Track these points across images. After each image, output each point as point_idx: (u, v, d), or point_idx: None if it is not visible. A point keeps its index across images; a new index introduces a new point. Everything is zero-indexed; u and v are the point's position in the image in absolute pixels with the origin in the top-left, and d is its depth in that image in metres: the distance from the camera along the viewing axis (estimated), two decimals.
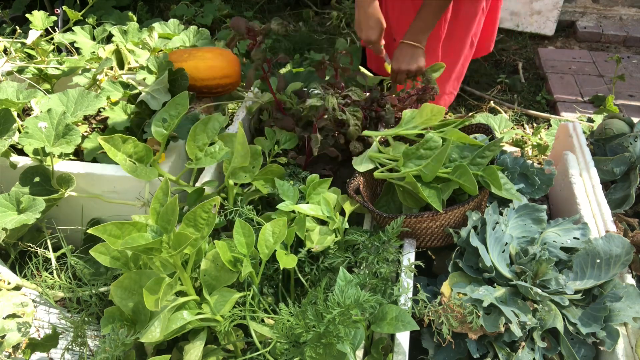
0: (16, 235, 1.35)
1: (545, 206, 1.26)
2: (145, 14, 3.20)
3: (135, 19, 2.13)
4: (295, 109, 1.57)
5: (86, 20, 2.16)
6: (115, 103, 1.54)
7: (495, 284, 1.13)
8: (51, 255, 1.31)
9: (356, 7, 1.62)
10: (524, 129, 2.40)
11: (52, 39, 1.90)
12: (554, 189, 1.54)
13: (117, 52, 1.75)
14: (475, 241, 1.13)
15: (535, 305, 1.08)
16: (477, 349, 1.08)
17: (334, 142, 1.45)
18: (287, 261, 1.06)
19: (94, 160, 1.46)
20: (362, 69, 1.87)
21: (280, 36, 3.04)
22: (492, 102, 2.56)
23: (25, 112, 1.65)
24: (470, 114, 2.48)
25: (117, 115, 1.49)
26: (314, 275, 1.15)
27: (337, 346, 0.85)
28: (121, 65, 1.76)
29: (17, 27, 1.90)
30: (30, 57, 1.83)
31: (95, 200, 1.42)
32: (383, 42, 1.64)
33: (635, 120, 1.64)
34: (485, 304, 1.04)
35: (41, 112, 1.37)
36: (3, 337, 1.04)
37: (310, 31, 3.19)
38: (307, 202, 1.26)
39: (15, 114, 1.40)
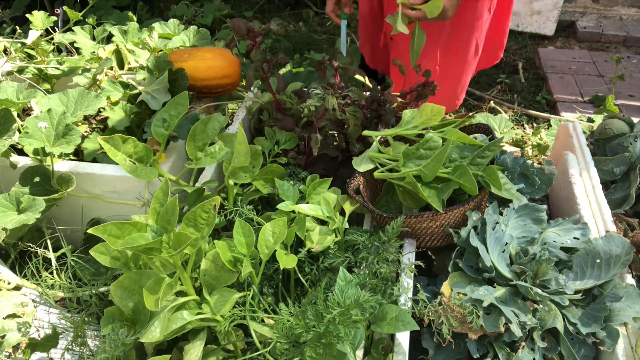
0: (16, 235, 1.35)
1: (545, 206, 1.26)
2: (145, 14, 3.20)
3: (135, 19, 2.13)
4: (295, 109, 1.57)
5: (86, 20, 2.16)
6: (115, 103, 1.54)
7: (495, 284, 1.13)
8: (51, 255, 1.31)
9: None
10: (524, 129, 2.40)
11: (52, 39, 1.90)
12: (554, 189, 1.54)
13: (117, 52, 1.75)
14: (475, 241, 1.13)
15: (535, 305, 1.08)
16: (477, 349, 1.08)
17: (334, 142, 1.45)
18: (287, 261, 1.06)
19: (94, 160, 1.46)
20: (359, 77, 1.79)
21: (280, 36, 3.04)
22: (492, 102, 2.56)
23: (25, 112, 1.65)
24: (470, 114, 2.48)
25: (117, 115, 1.49)
26: (314, 275, 1.15)
27: (337, 346, 0.85)
28: (121, 65, 1.76)
29: (17, 27, 1.90)
30: (30, 57, 1.83)
31: (95, 200, 1.42)
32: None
33: (635, 120, 1.64)
34: (485, 304, 1.04)
35: (41, 112, 1.37)
36: (3, 337, 1.04)
37: (310, 31, 3.19)
38: (307, 202, 1.26)
39: (15, 114, 1.40)
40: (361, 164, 1.33)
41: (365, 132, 1.40)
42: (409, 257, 1.18)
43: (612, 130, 1.60)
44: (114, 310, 0.96)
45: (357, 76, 1.58)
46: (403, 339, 1.03)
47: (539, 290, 1.07)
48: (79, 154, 1.50)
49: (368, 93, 1.53)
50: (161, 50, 1.92)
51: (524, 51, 3.03)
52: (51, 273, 1.28)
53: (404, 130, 1.35)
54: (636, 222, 1.43)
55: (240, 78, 1.77)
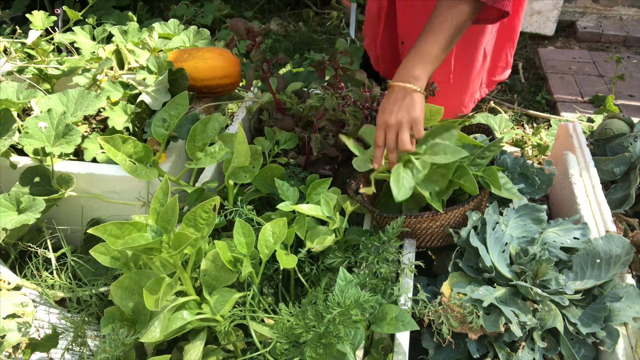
0: (16, 235, 1.35)
1: (545, 206, 1.26)
2: (145, 14, 3.20)
3: (135, 19, 2.13)
4: (295, 109, 1.57)
5: (86, 20, 2.16)
6: (115, 103, 1.54)
7: (495, 284, 1.13)
8: (51, 255, 1.31)
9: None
10: (524, 129, 2.40)
11: (52, 39, 1.90)
12: (554, 189, 1.54)
13: (117, 52, 1.75)
14: (475, 241, 1.13)
15: (535, 305, 1.08)
16: (477, 349, 1.08)
17: (334, 142, 1.45)
18: (287, 261, 1.06)
19: (94, 160, 1.46)
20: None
21: (280, 36, 3.04)
22: (492, 102, 2.56)
23: (25, 112, 1.65)
24: (470, 114, 2.48)
25: (117, 115, 1.49)
26: (314, 275, 1.15)
27: (337, 346, 0.85)
28: (121, 65, 1.75)
29: (17, 27, 1.90)
30: (30, 57, 1.83)
31: (95, 200, 1.42)
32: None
33: (635, 120, 1.64)
34: (485, 304, 1.04)
35: (41, 112, 1.37)
36: (3, 337, 1.04)
37: (310, 31, 3.19)
38: (307, 202, 1.26)
39: (15, 114, 1.40)
40: (361, 164, 1.33)
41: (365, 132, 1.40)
42: (409, 257, 1.18)
43: (612, 130, 1.60)
44: (114, 310, 0.96)
45: (358, 76, 1.57)
46: (403, 339, 1.03)
47: (539, 290, 1.07)
48: (79, 154, 1.50)
49: (368, 93, 1.53)
50: (161, 50, 1.92)
51: (524, 51, 3.03)
52: (51, 273, 1.28)
53: None
54: (636, 222, 1.43)
55: (240, 78, 1.77)
